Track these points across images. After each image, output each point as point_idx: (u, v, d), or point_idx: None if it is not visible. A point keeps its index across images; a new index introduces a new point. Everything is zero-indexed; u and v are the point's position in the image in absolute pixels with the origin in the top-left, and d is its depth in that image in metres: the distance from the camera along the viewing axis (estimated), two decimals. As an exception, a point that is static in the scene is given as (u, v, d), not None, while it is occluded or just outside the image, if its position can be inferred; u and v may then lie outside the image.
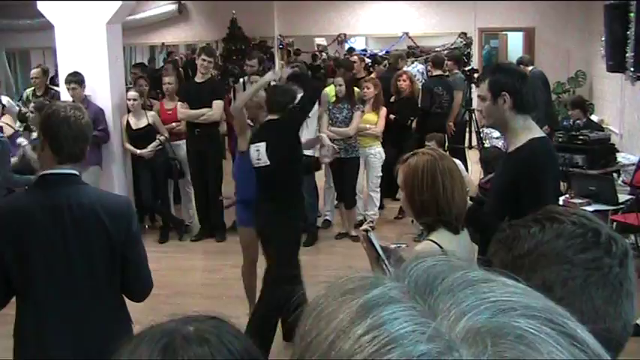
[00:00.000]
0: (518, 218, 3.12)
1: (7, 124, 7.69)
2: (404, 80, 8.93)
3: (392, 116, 8.55)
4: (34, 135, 7.14)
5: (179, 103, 8.26)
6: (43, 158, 2.99)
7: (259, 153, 5.08)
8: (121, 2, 7.75)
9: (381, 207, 9.11)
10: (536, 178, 3.35)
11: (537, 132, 3.52)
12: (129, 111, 8.07)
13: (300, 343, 0.64)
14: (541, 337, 0.54)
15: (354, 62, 9.68)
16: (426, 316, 0.57)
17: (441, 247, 2.82)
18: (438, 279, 0.62)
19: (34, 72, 9.60)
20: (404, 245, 3.25)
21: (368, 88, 8.28)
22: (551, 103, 8.88)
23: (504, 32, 15.88)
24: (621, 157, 8.73)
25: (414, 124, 9.14)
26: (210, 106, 8.07)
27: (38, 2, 7.86)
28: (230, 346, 1.06)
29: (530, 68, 9.83)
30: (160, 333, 1.06)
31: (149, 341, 1.05)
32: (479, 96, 3.60)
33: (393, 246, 3.15)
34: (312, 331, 0.62)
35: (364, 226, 3.19)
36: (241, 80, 9.00)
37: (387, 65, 10.79)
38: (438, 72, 9.47)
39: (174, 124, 8.37)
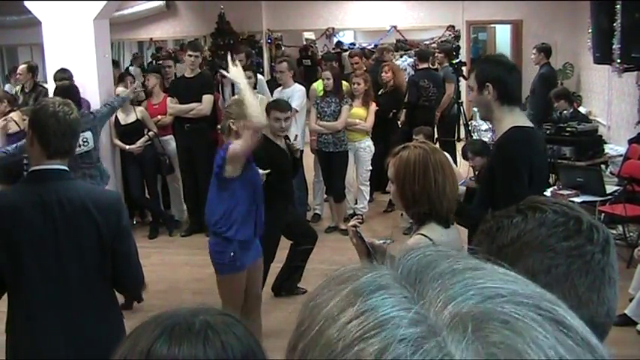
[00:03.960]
0: (495, 206, 3.15)
1: (14, 121, 7.65)
2: (386, 72, 8.93)
3: (376, 108, 8.56)
4: None
5: (169, 98, 8.25)
6: (32, 154, 2.99)
7: None
8: (108, -2, 7.73)
9: (371, 200, 9.13)
10: (508, 165, 3.38)
11: (522, 121, 3.54)
12: (117, 106, 8.04)
13: (295, 333, 0.65)
14: (525, 322, 0.55)
15: (357, 63, 9.62)
16: (414, 303, 0.58)
17: (432, 241, 2.84)
18: (429, 267, 0.62)
19: (19, 68, 9.56)
20: (389, 241, 3.26)
21: (358, 84, 8.28)
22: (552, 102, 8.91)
23: (492, 25, 15.90)
24: (609, 149, 8.78)
25: (402, 117, 9.15)
26: (199, 101, 8.07)
27: (25, -1, 7.83)
28: (228, 346, 1.07)
29: (543, 63, 9.84)
30: (167, 317, 1.08)
31: (155, 322, 1.07)
32: (469, 86, 3.63)
33: (379, 242, 3.16)
34: (304, 321, 0.63)
35: (353, 222, 3.21)
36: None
37: (375, 59, 10.80)
38: (424, 65, 9.48)
39: (159, 116, 8.34)
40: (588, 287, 1.17)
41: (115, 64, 10.26)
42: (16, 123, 7.63)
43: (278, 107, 5.79)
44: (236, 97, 5.78)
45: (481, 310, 0.56)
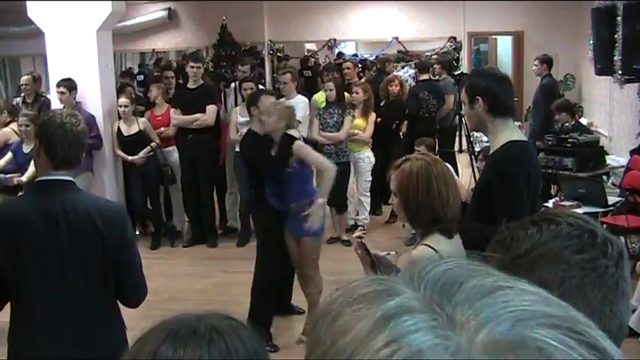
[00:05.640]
0: (490, 220, 3.14)
1: (14, 131, 7.66)
2: (395, 85, 8.96)
3: (378, 119, 8.57)
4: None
5: (172, 109, 8.27)
6: (38, 164, 3.00)
7: None
8: (111, 9, 7.75)
9: (379, 213, 9.17)
10: (505, 180, 3.38)
11: (517, 135, 3.55)
12: (120, 117, 8.07)
13: (314, 350, 0.62)
14: (559, 348, 0.54)
15: (348, 68, 9.68)
16: (446, 328, 0.56)
17: (436, 252, 2.84)
18: (455, 286, 0.60)
19: (24, 79, 9.57)
20: (393, 253, 3.26)
21: (357, 93, 8.30)
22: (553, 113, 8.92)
23: (494, 36, 15.95)
24: (610, 160, 8.78)
25: (403, 128, 9.17)
26: (202, 112, 8.09)
27: (29, 9, 7.85)
28: (232, 348, 1.08)
29: (544, 74, 9.87)
30: (172, 322, 1.09)
31: (160, 327, 1.08)
32: (461, 100, 3.64)
33: (382, 253, 3.16)
34: (325, 339, 0.61)
35: (357, 233, 3.21)
36: (232, 85, 9.00)
37: (376, 70, 10.82)
38: (425, 77, 9.49)
39: (162, 128, 8.36)
40: (601, 300, 1.17)
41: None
42: (17, 133, 7.64)
43: None
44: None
45: (515, 338, 0.54)
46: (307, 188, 5.52)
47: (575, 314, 0.59)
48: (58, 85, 7.52)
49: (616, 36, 7.08)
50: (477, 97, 3.42)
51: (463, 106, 3.62)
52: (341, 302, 0.63)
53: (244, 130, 7.63)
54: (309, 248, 5.53)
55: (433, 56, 12.89)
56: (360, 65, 11.91)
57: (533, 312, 0.57)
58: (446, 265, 0.64)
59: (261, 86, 9.33)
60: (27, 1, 7.84)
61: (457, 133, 9.95)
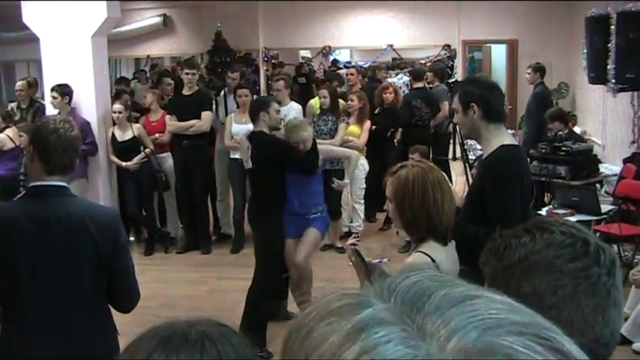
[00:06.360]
0: (485, 223, 3.17)
1: (9, 137, 7.63)
2: (390, 93, 8.97)
3: (373, 127, 8.58)
4: None
5: (167, 115, 8.26)
6: (32, 170, 3.00)
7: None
8: (106, 15, 7.75)
9: (374, 220, 9.18)
10: (500, 184, 3.42)
11: (508, 140, 3.60)
12: (114, 123, 8.06)
13: None
14: (527, 354, 0.55)
15: (352, 74, 9.69)
16: (416, 338, 0.57)
17: (432, 259, 2.85)
18: (424, 296, 0.61)
19: (19, 84, 9.56)
20: (386, 260, 3.26)
21: (352, 101, 8.34)
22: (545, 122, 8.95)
23: (488, 44, 16.01)
24: (603, 168, 8.80)
25: (398, 136, 9.18)
26: (197, 118, 8.09)
27: (24, 15, 7.84)
28: (224, 354, 1.08)
29: (537, 82, 9.90)
30: (164, 329, 1.09)
31: (152, 333, 1.08)
32: (453, 108, 3.68)
33: (375, 261, 3.17)
34: (299, 354, 0.62)
35: (351, 240, 3.21)
36: (222, 92, 8.99)
37: (367, 78, 10.83)
38: (419, 84, 9.49)
39: (157, 134, 8.36)
40: (594, 308, 1.18)
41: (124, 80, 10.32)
42: (12, 140, 7.62)
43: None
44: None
45: (484, 345, 0.56)
46: (320, 188, 5.89)
47: (541, 321, 0.61)
48: (52, 90, 7.52)
49: (609, 45, 7.10)
50: (472, 103, 3.46)
51: (455, 114, 3.65)
52: (313, 317, 0.64)
53: (238, 137, 7.65)
54: (312, 238, 5.71)
55: (427, 64, 12.92)
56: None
57: (500, 320, 0.58)
58: (415, 276, 0.65)
59: (255, 94, 9.34)
60: (22, 7, 7.84)
61: (451, 141, 9.98)
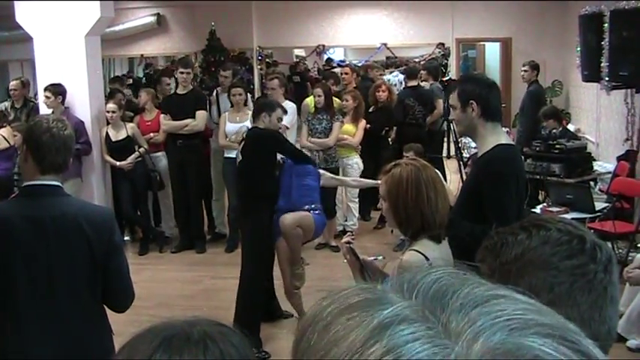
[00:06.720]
0: (480, 221, 3.19)
1: (3, 136, 7.60)
2: (383, 91, 8.96)
3: (367, 125, 8.59)
4: None
5: (162, 115, 8.25)
6: (26, 169, 2.99)
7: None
8: (100, 14, 7.73)
9: (368, 219, 9.18)
10: (497, 182, 3.44)
11: (505, 139, 3.62)
12: (108, 123, 8.04)
13: (304, 358, 0.62)
14: (557, 357, 0.54)
15: (346, 73, 9.69)
16: (442, 337, 0.56)
17: (426, 257, 2.85)
18: (448, 294, 0.60)
19: (12, 84, 9.53)
20: (381, 258, 3.26)
21: (347, 100, 8.34)
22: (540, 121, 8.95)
23: (482, 43, 16.02)
24: (597, 166, 8.83)
25: (392, 134, 9.17)
26: (192, 117, 8.08)
27: (17, 14, 7.82)
28: (226, 354, 1.07)
29: (532, 80, 9.90)
30: (163, 328, 1.08)
31: (151, 333, 1.07)
32: (450, 105, 3.68)
33: (370, 258, 3.16)
34: (317, 348, 0.61)
35: (346, 239, 3.21)
36: (214, 92, 8.97)
37: (360, 77, 10.82)
38: (412, 83, 9.48)
39: (151, 134, 8.34)
40: (590, 306, 1.18)
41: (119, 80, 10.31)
42: (6, 139, 7.59)
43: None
44: None
45: (511, 347, 0.55)
46: (315, 185, 5.93)
47: (566, 322, 0.60)
48: (45, 89, 7.49)
49: (603, 43, 7.10)
50: (471, 101, 3.46)
51: (452, 111, 3.65)
52: (331, 311, 0.62)
53: (233, 137, 7.64)
54: (308, 224, 5.70)
55: (421, 62, 12.92)
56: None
57: (527, 321, 0.57)
58: (435, 273, 0.64)
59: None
60: (15, 6, 7.81)
61: (445, 139, 9.96)
